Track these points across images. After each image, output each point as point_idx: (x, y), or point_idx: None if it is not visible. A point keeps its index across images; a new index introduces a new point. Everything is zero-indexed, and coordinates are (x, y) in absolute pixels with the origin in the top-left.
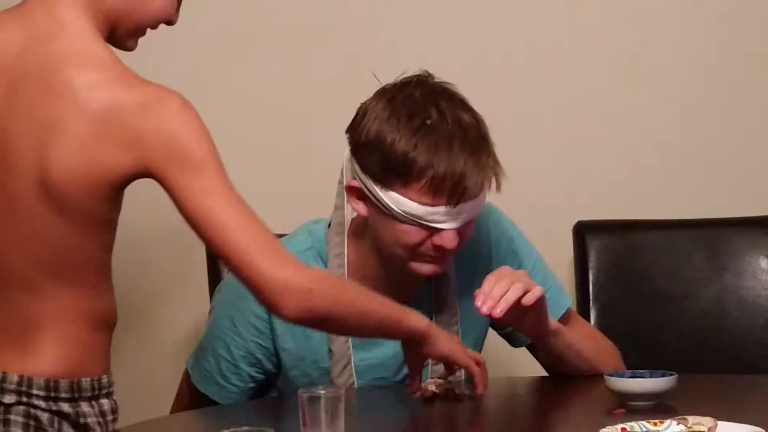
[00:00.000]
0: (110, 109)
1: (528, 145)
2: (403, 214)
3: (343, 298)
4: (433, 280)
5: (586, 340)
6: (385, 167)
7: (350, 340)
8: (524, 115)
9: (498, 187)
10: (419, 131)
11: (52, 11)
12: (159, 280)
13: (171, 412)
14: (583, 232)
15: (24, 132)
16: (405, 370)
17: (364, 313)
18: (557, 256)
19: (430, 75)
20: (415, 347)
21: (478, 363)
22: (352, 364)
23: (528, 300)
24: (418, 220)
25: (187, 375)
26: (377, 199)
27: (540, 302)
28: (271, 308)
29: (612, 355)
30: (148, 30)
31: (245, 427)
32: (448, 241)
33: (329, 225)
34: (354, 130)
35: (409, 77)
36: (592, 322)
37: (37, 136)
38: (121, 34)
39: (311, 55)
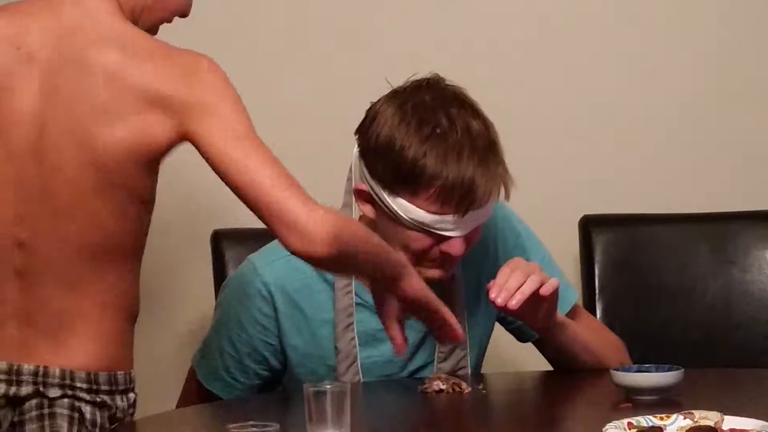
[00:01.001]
0: (146, 82)
1: (533, 139)
2: (411, 221)
3: (361, 237)
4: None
5: (593, 334)
6: (394, 174)
7: (356, 338)
8: (530, 109)
9: (507, 196)
10: (429, 139)
11: (80, 2)
12: (164, 276)
13: (176, 408)
14: (589, 226)
15: (66, 126)
16: (411, 367)
17: (371, 252)
18: (563, 251)
19: (441, 78)
20: (392, 286)
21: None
22: (358, 362)
23: (546, 290)
24: (425, 228)
25: (192, 371)
26: (385, 205)
27: (555, 294)
28: (303, 245)
29: (618, 350)
30: (162, 28)
31: (251, 423)
32: (455, 248)
33: None
34: (363, 133)
35: (419, 80)
36: (598, 316)
37: (82, 126)
38: (142, 28)
39: (319, 51)
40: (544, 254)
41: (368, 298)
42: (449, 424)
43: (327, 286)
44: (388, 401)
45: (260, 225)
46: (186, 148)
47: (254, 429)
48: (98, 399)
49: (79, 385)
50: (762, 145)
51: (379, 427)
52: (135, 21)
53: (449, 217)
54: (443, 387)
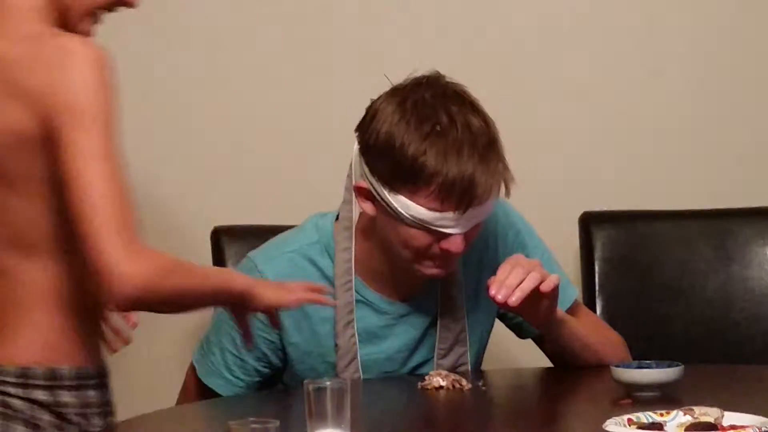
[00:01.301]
0: (10, 69)
1: (534, 136)
2: (411, 218)
3: (178, 282)
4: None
5: (593, 331)
6: (394, 171)
7: (356, 335)
8: (530, 105)
9: (507, 193)
10: (429, 137)
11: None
12: None
13: (177, 404)
14: (589, 222)
15: None
16: (413, 363)
17: (197, 293)
18: (563, 247)
19: (441, 76)
20: (243, 308)
21: (313, 290)
22: (359, 359)
23: (546, 287)
24: (425, 225)
25: (192, 368)
26: (385, 202)
27: (555, 290)
28: (105, 291)
29: (618, 346)
30: (165, 26)
31: (251, 419)
32: (455, 246)
33: (336, 218)
34: (363, 130)
35: (420, 77)
36: (598, 313)
37: None
38: (73, 17)
39: (319, 48)
40: (544, 251)
41: (368, 295)
42: (449, 421)
43: (327, 283)
44: (388, 398)
45: (259, 222)
46: (184, 144)
47: (254, 425)
48: (30, 395)
49: (8, 380)
50: (762, 141)
51: (379, 423)
52: (65, 10)
53: (449, 215)
54: (443, 384)
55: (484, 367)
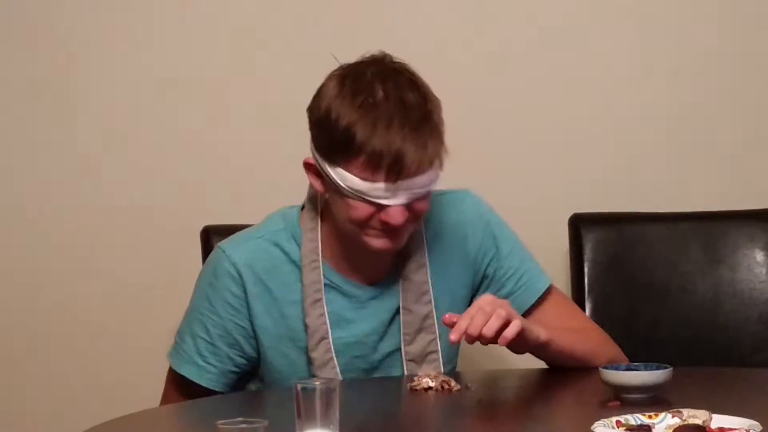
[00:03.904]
0: None
1: (524, 137)
2: (348, 189)
3: None
4: (402, 261)
5: (578, 340)
6: (331, 144)
7: (326, 314)
8: (520, 107)
9: (440, 165)
10: (361, 108)
11: None
12: (153, 272)
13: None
14: (579, 224)
15: None
16: (384, 349)
17: None
18: (552, 249)
19: (387, 55)
20: None
21: None
22: (330, 338)
23: (503, 341)
24: (361, 196)
25: (171, 372)
26: (327, 175)
27: (519, 335)
28: None
29: (603, 346)
30: (154, 28)
31: (239, 419)
32: (393, 217)
33: (302, 208)
34: (309, 108)
35: (366, 56)
36: (587, 314)
37: None
38: None
39: (310, 46)
40: (514, 242)
41: (336, 279)
42: (437, 422)
43: (294, 267)
44: (376, 398)
45: (249, 221)
46: (174, 143)
47: (243, 425)
48: None
49: None
50: (752, 144)
51: (368, 424)
52: None
53: (381, 185)
54: (432, 384)
55: (472, 367)
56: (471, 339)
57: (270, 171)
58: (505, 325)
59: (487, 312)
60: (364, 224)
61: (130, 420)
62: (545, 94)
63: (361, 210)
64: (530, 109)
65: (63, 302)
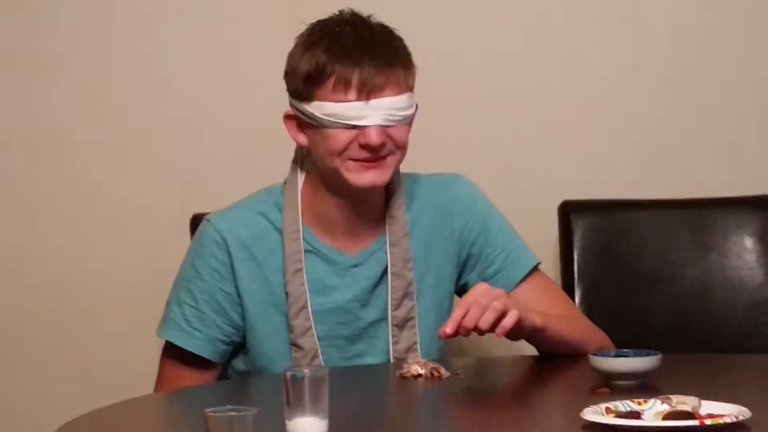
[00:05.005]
0: None
1: (513, 124)
2: (325, 117)
3: None
4: (388, 226)
5: (568, 326)
6: (303, 79)
7: (305, 283)
8: (510, 93)
9: (410, 88)
10: (326, 38)
11: None
12: (142, 261)
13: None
14: (569, 211)
15: None
16: (368, 317)
17: None
18: (542, 236)
19: (358, 12)
20: None
21: None
22: (309, 308)
23: (501, 332)
24: (339, 120)
25: (163, 347)
26: (305, 114)
27: (516, 324)
28: None
29: (593, 334)
30: (141, 13)
31: (229, 407)
32: (371, 137)
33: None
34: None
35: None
36: (577, 301)
37: None
38: None
39: None
40: (503, 222)
41: (318, 245)
42: (427, 409)
43: (278, 235)
44: (366, 386)
45: None
46: (162, 133)
47: (232, 413)
48: None
49: None
50: (741, 131)
51: (357, 411)
52: None
53: (355, 104)
54: (422, 372)
55: (462, 354)
56: (467, 332)
57: (259, 158)
58: (501, 316)
59: (483, 305)
60: (344, 154)
61: (117, 408)
62: (536, 82)
63: (342, 136)
64: (521, 96)
65: (51, 294)
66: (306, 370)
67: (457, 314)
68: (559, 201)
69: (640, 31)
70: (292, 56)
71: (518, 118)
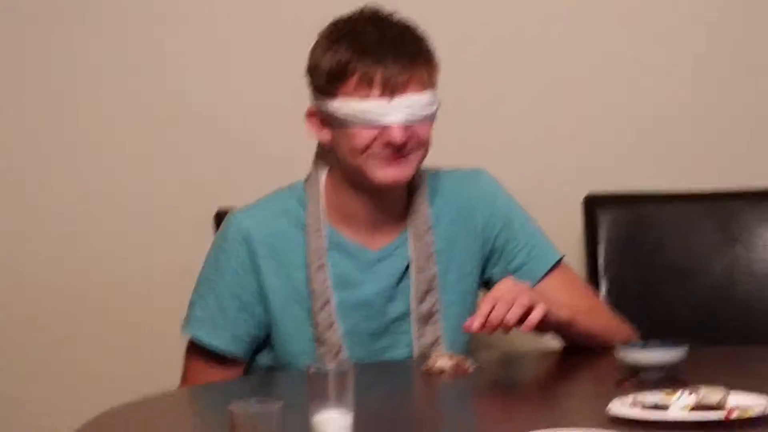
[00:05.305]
0: None
1: (537, 116)
2: (348, 115)
3: None
4: (411, 221)
5: (594, 319)
6: (325, 76)
7: (329, 279)
8: (532, 86)
9: (433, 85)
10: (348, 35)
11: None
12: (166, 256)
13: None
14: (593, 204)
15: None
16: (392, 312)
17: None
18: (567, 229)
19: (381, 8)
20: None
21: None
22: (332, 303)
23: (526, 329)
24: (361, 117)
25: (187, 346)
26: (327, 112)
27: (543, 319)
28: None
29: (618, 326)
30: (157, 21)
31: (254, 400)
32: (395, 135)
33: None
34: (307, 66)
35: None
36: (602, 295)
37: None
38: None
39: None
40: (525, 217)
41: (342, 241)
42: (452, 404)
43: (301, 232)
44: (391, 380)
45: None
46: (187, 127)
47: (257, 407)
48: None
49: None
50: None
51: (382, 407)
52: None
53: (377, 102)
54: (446, 366)
55: (489, 348)
56: (492, 328)
57: (285, 153)
58: (528, 311)
59: (509, 300)
60: (367, 152)
61: (143, 403)
62: (558, 72)
63: (365, 134)
64: (544, 88)
65: (74, 287)
66: (331, 365)
67: (483, 309)
68: (583, 194)
69: (665, 19)
70: (314, 52)
71: (542, 111)
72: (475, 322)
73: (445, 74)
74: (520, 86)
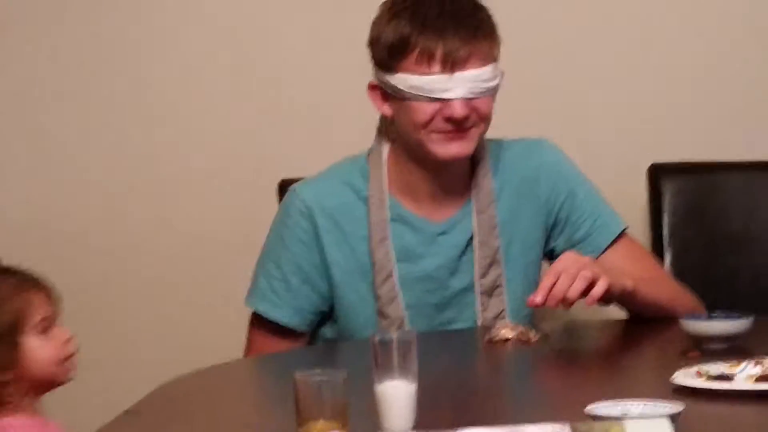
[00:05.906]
0: None
1: (601, 87)
2: (409, 90)
3: None
4: (474, 194)
5: (658, 289)
6: (386, 50)
7: (391, 252)
8: (597, 54)
9: (495, 59)
10: (409, 8)
11: None
12: (231, 226)
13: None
14: (658, 174)
15: None
16: (455, 285)
17: None
18: (631, 199)
19: None
20: None
21: None
22: (395, 276)
23: (590, 302)
24: (422, 93)
25: (251, 318)
26: (389, 86)
27: (606, 291)
28: None
29: (682, 296)
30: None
31: (318, 371)
32: (456, 110)
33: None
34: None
35: None
36: (667, 265)
37: None
38: None
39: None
40: (589, 187)
41: (405, 214)
42: (516, 374)
43: (363, 204)
44: (455, 350)
45: None
46: (250, 97)
47: (322, 376)
48: None
49: None
50: None
51: (446, 376)
52: None
53: (437, 77)
54: (510, 336)
55: (552, 318)
56: (556, 302)
57: (348, 123)
58: (591, 285)
59: (572, 273)
60: (428, 126)
61: (207, 373)
62: (622, 42)
63: (427, 108)
64: (609, 57)
65: (139, 262)
66: (394, 335)
67: (546, 283)
68: (648, 163)
69: None
70: (376, 24)
71: (605, 80)
72: (538, 296)
73: (507, 44)
74: (585, 54)
